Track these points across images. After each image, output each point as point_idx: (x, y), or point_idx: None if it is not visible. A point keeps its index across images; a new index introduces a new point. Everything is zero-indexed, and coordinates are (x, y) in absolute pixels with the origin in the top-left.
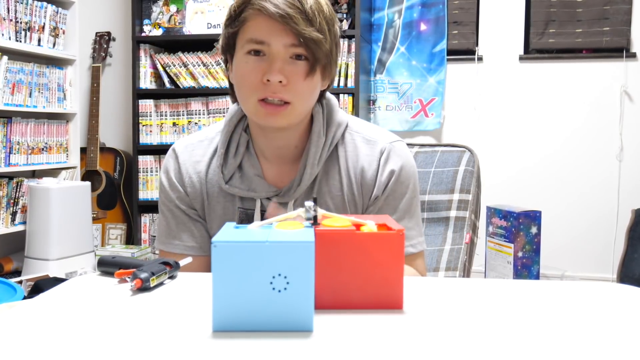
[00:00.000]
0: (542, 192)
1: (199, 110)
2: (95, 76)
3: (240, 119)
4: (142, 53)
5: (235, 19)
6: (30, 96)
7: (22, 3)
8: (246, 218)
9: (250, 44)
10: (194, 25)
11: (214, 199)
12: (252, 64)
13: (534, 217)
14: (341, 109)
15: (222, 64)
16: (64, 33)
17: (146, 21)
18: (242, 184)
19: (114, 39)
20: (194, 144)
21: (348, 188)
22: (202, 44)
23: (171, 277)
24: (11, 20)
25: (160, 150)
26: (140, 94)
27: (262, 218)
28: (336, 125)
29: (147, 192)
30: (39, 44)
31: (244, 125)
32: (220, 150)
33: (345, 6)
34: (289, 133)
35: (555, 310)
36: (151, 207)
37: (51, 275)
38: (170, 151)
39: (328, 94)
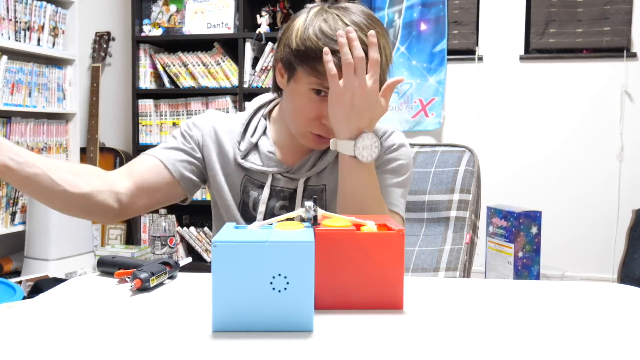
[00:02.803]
0: (542, 192)
1: (199, 110)
2: (95, 76)
3: (262, 106)
4: (141, 53)
5: (308, 59)
6: (29, 96)
7: (21, 3)
8: (251, 186)
9: (317, 85)
10: (194, 25)
11: (224, 158)
12: (315, 103)
13: (534, 217)
14: None
15: (222, 64)
16: (63, 33)
17: (146, 21)
18: (257, 160)
19: (113, 39)
20: (223, 114)
21: None
22: (202, 43)
23: (171, 277)
24: (11, 20)
25: None
26: (140, 94)
27: (271, 192)
28: None
29: None
30: (38, 44)
31: (264, 112)
32: (240, 129)
33: None
34: None
35: (555, 310)
36: None
37: (51, 275)
38: (206, 112)
39: None
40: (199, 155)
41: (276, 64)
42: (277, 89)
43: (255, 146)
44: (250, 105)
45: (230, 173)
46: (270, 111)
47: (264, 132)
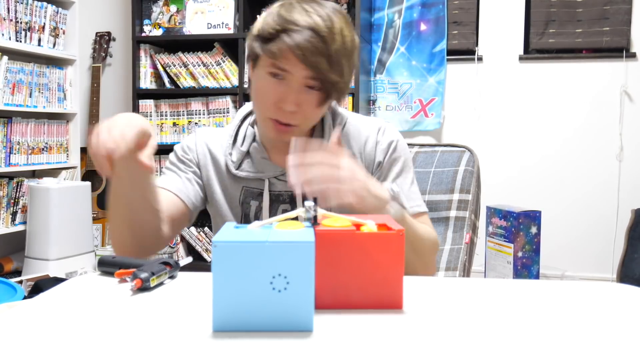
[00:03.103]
0: (542, 192)
1: (199, 110)
2: (95, 76)
3: (247, 114)
4: (142, 53)
5: (265, 41)
6: (30, 96)
7: (22, 3)
8: (250, 195)
9: (273, 67)
10: (194, 25)
11: (220, 174)
12: (271, 85)
13: (534, 217)
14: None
15: (222, 64)
16: (64, 33)
17: (146, 21)
18: (251, 168)
19: (114, 39)
20: (212, 134)
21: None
22: (202, 44)
23: (171, 277)
24: (11, 20)
25: (160, 150)
26: (140, 94)
27: (271, 198)
28: (340, 117)
29: None
30: (39, 44)
31: (252, 120)
32: (228, 141)
33: (345, 6)
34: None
35: (555, 310)
36: None
37: (51, 275)
38: (192, 133)
39: None
40: (199, 176)
41: (248, 59)
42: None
43: (247, 154)
44: (237, 116)
45: (228, 188)
46: None
47: (254, 140)
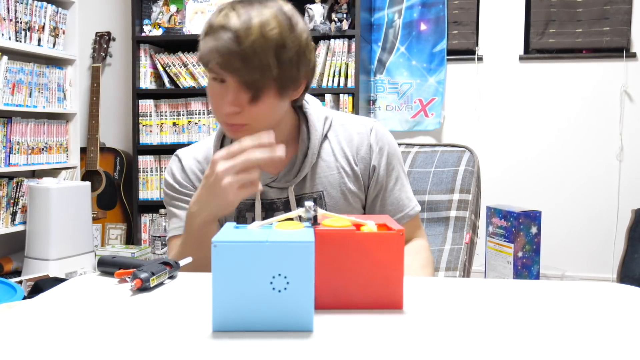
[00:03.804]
0: (542, 192)
1: (199, 110)
2: (95, 76)
3: None
4: (142, 53)
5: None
6: (30, 96)
7: (22, 3)
8: (244, 207)
9: (210, 72)
10: (194, 25)
11: None
12: (215, 90)
13: (534, 217)
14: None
15: None
16: (64, 33)
17: (146, 21)
18: None
19: (114, 39)
20: (194, 148)
21: (345, 163)
22: None
23: (171, 277)
24: (11, 20)
25: (160, 150)
26: (140, 94)
27: (264, 206)
28: (324, 118)
29: (147, 192)
30: (39, 44)
31: None
32: (214, 150)
33: (345, 6)
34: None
35: (555, 310)
36: (151, 207)
37: (51, 275)
38: (173, 157)
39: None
40: None
41: None
42: None
43: None
44: (219, 127)
45: None
46: None
47: None
